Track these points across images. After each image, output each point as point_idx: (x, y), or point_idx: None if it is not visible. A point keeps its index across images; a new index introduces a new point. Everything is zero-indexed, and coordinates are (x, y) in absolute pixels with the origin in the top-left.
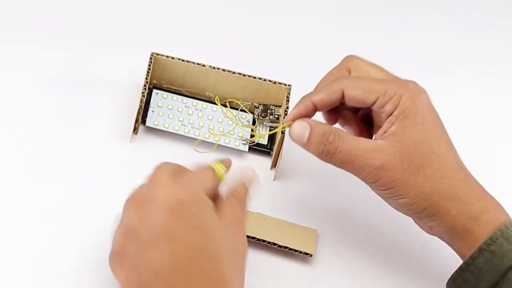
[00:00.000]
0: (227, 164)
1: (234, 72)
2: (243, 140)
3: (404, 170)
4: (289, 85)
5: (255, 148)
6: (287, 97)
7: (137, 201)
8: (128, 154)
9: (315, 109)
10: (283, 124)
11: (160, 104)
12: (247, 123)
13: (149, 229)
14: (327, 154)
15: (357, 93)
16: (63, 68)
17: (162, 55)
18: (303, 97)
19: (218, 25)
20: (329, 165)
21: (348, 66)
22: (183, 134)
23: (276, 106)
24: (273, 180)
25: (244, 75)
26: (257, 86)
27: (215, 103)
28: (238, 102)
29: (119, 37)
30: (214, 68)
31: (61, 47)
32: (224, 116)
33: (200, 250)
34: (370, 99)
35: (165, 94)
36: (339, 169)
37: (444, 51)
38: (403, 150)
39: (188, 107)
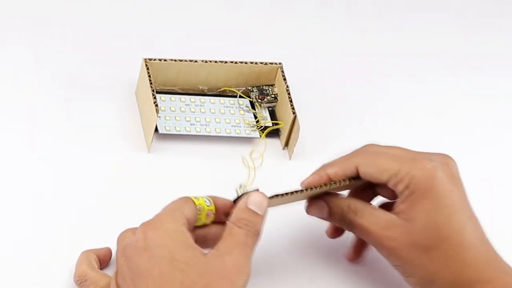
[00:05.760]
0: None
1: (226, 62)
2: (251, 126)
3: (410, 250)
4: (279, 63)
5: (263, 131)
6: (283, 75)
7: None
8: (151, 164)
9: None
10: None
11: (163, 108)
12: (247, 109)
13: (130, 272)
14: (347, 228)
15: (370, 171)
16: (56, 76)
17: (155, 59)
18: (320, 168)
19: (202, 20)
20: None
21: (366, 150)
22: (196, 133)
23: (268, 85)
24: (290, 159)
25: (236, 62)
26: (249, 70)
27: (210, 95)
28: (235, 90)
29: (105, 43)
30: (206, 61)
31: (52, 56)
32: (223, 106)
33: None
34: (383, 178)
35: (163, 96)
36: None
37: (446, 51)
38: (410, 230)
39: (189, 105)
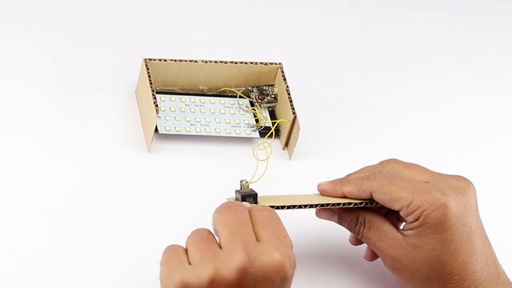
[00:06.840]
0: None
1: (226, 62)
2: (251, 127)
3: (412, 274)
4: (279, 63)
5: (263, 132)
6: (282, 75)
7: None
8: (151, 164)
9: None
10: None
11: (162, 108)
12: (247, 109)
13: None
14: (356, 235)
15: (383, 199)
16: (56, 75)
17: (155, 59)
18: (336, 181)
19: (201, 20)
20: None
21: (384, 174)
22: (196, 133)
23: (268, 85)
24: (290, 160)
25: (236, 62)
26: (249, 70)
27: (210, 95)
28: (235, 90)
29: (105, 43)
30: (206, 61)
31: (52, 56)
32: (223, 106)
33: None
34: (395, 207)
35: (163, 96)
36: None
37: (446, 51)
38: (415, 258)
39: (189, 105)
